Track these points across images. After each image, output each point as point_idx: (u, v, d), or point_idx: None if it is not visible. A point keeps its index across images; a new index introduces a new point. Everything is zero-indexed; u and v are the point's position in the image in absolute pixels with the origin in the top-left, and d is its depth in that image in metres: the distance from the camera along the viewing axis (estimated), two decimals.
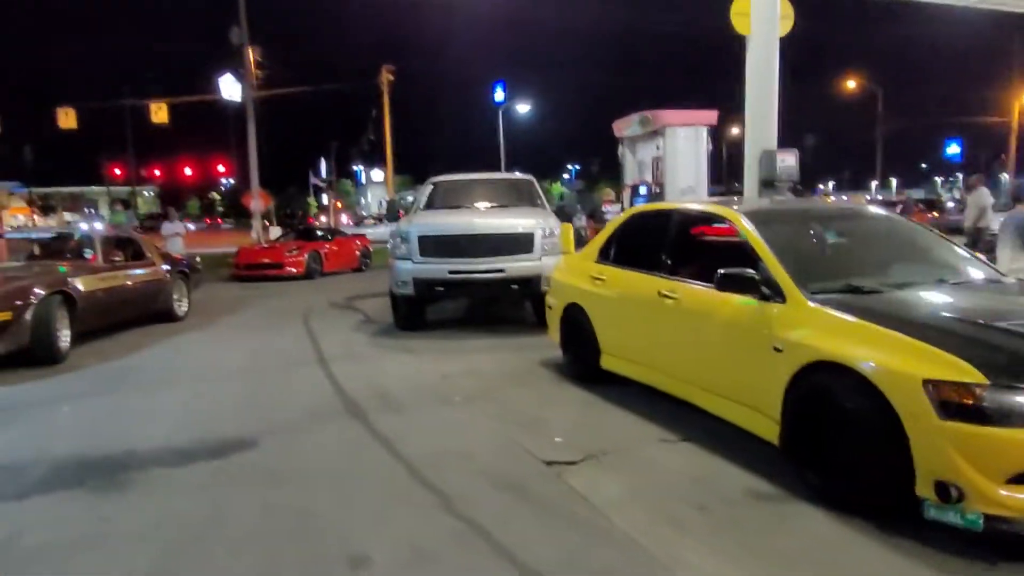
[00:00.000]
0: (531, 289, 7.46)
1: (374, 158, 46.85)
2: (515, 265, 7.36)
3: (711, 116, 10.32)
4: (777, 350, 3.40)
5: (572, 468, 3.72)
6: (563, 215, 8.19)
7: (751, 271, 3.68)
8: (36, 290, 6.50)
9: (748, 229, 3.94)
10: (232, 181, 53.85)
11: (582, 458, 3.84)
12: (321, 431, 4.47)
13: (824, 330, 3.24)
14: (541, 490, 3.44)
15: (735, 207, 4.36)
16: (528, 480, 3.58)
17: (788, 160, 7.68)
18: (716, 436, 4.00)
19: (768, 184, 7.68)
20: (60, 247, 8.66)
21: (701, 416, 4.14)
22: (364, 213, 50.97)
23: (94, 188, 51.64)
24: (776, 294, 3.55)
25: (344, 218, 38.51)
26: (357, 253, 17.22)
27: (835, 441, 3.05)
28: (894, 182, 56.99)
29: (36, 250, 9.02)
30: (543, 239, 7.47)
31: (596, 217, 11.23)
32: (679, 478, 3.52)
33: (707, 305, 4.01)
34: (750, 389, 3.66)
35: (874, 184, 48.73)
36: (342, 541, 2.94)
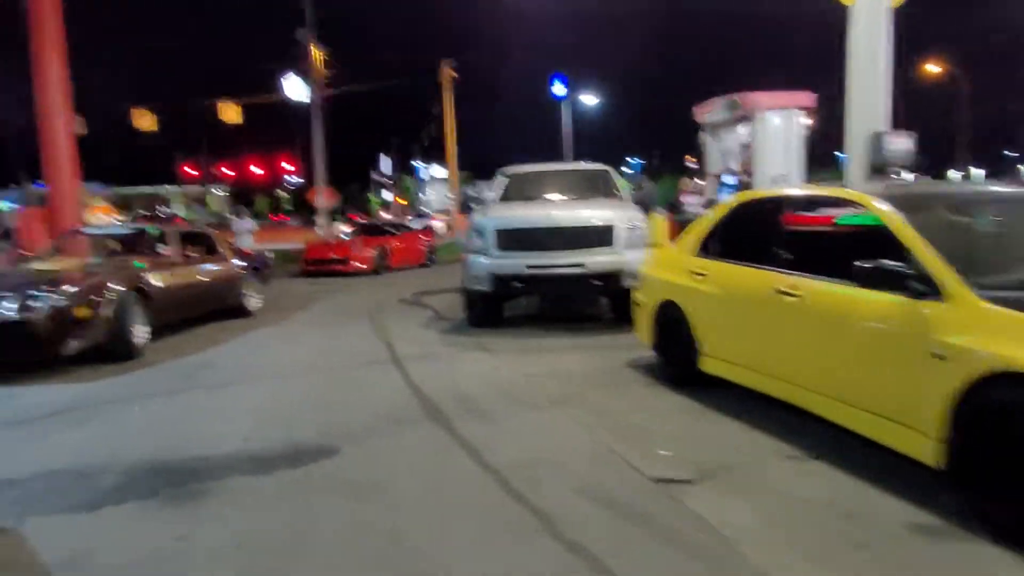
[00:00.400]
0: (612, 285, 7.02)
1: (434, 154, 47.02)
2: (595, 259, 6.93)
3: (807, 98, 9.56)
4: (938, 357, 2.88)
5: (686, 488, 3.29)
6: (642, 207, 7.70)
7: (899, 264, 3.16)
8: (113, 286, 6.44)
9: (892, 215, 3.40)
10: (297, 179, 54.99)
11: (697, 476, 3.40)
12: (403, 437, 4.16)
13: (1005, 335, 2.70)
14: (654, 512, 3.01)
15: (871, 191, 3.82)
16: (637, 499, 3.17)
17: (901, 143, 6.98)
18: (849, 453, 3.49)
19: (878, 170, 6.99)
20: (137, 243, 8.69)
21: (825, 428, 3.64)
22: (425, 210, 51.20)
23: (169, 187, 53.48)
24: (933, 291, 3.02)
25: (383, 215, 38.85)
26: (423, 249, 17.08)
27: None
28: (975, 171, 53.67)
29: (114, 246, 9.10)
30: (625, 231, 7.02)
31: (675, 209, 10.67)
32: (821, 505, 3.04)
33: (840, 304, 3.50)
34: (899, 401, 3.14)
35: (953, 172, 45.96)
36: (440, 571, 2.60)
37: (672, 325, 5.06)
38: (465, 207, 9.05)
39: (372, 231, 17.11)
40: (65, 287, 6.04)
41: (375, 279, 14.31)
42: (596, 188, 8.31)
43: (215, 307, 8.66)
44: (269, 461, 3.79)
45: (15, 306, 5.74)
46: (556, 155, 35.69)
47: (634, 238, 7.03)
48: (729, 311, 4.50)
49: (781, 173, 8.93)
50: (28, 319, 5.69)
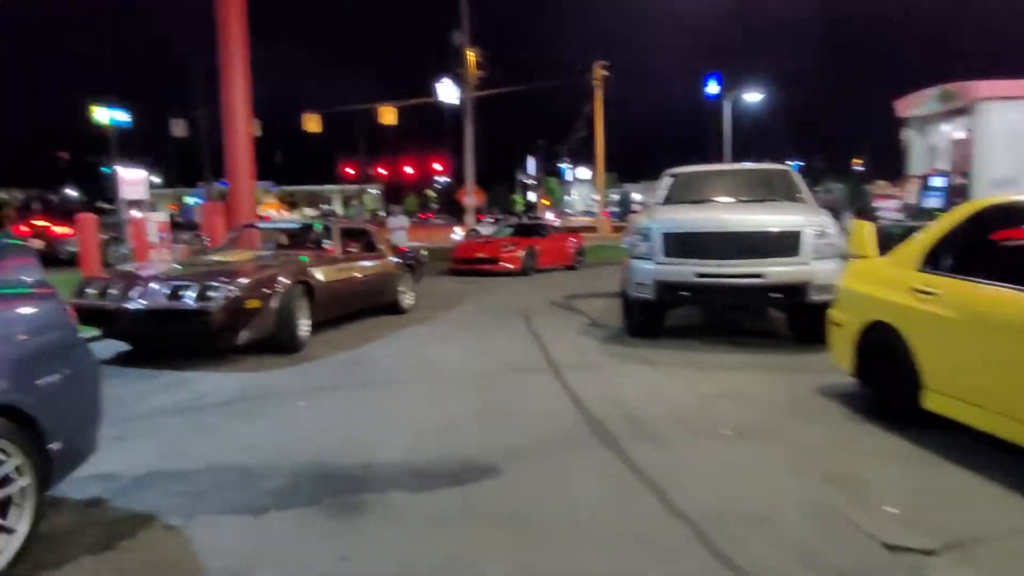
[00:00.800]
0: (797, 298, 6.24)
1: (581, 155, 46.69)
2: (778, 270, 6.18)
3: None
4: None
5: (929, 561, 2.62)
6: (831, 212, 6.84)
7: None
8: (282, 279, 6.59)
9: None
10: (446, 178, 56.84)
11: (940, 546, 2.72)
12: (571, 461, 3.75)
13: None
14: None
15: None
16: (871, 573, 2.55)
17: None
18: None
19: None
20: (302, 238, 8.98)
21: None
22: (569, 211, 51.09)
23: (329, 186, 57.20)
24: None
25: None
26: (571, 250, 16.72)
27: None
28: None
29: (281, 240, 9.49)
30: (813, 239, 6.21)
31: (866, 214, 9.53)
32: None
33: None
34: None
35: None
36: None
37: (883, 350, 4.30)
38: (624, 210, 8.52)
39: (521, 231, 16.99)
40: (239, 279, 6.23)
41: (524, 280, 14.13)
42: (775, 190, 7.51)
43: (372, 303, 8.76)
44: (430, 477, 3.52)
45: (194, 296, 5.97)
46: (707, 157, 34.15)
47: (823, 246, 6.21)
48: (970, 339, 3.69)
49: (1007, 176, 7.59)
50: (205, 308, 5.89)
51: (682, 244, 6.47)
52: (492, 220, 30.38)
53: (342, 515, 3.09)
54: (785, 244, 6.22)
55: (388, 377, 5.80)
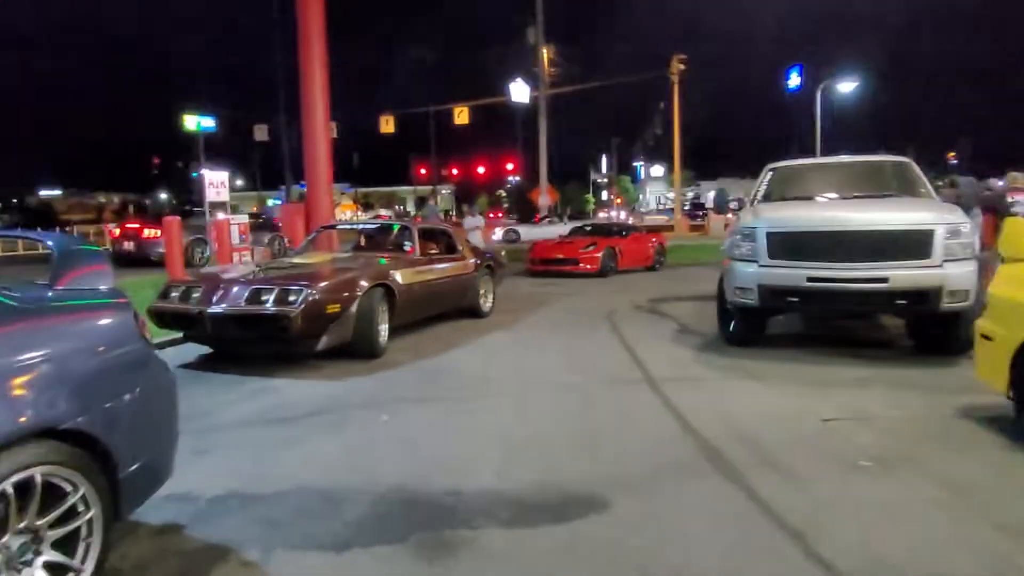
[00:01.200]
0: (926, 306, 5.53)
1: (656, 153, 45.57)
2: (905, 273, 5.50)
3: None
4: None
5: None
6: (961, 208, 6.07)
7: None
8: (361, 282, 6.36)
9: None
10: (518, 177, 56.67)
11: None
12: (689, 495, 3.29)
13: None
14: None
15: None
16: None
17: None
18: None
19: None
20: (381, 239, 8.80)
21: None
22: (642, 210, 49.91)
23: (403, 188, 57.97)
24: None
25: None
26: (652, 251, 16.07)
27: None
28: None
29: (360, 241, 9.34)
30: (947, 239, 5.50)
31: (999, 210, 8.59)
32: None
33: None
34: None
35: None
36: None
37: None
38: (720, 207, 7.94)
39: (601, 231, 16.46)
40: (318, 283, 6.03)
41: (603, 281, 13.61)
42: (893, 184, 6.78)
43: (452, 306, 8.49)
44: (528, 509, 3.13)
45: (273, 300, 5.80)
46: (790, 153, 32.57)
47: (957, 247, 5.49)
48: None
49: None
50: (284, 313, 5.71)
51: (791, 245, 5.87)
52: (549, 220, 29.76)
53: (431, 555, 2.74)
54: (914, 245, 5.53)
55: (472, 388, 5.46)
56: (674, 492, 3.32)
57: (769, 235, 5.97)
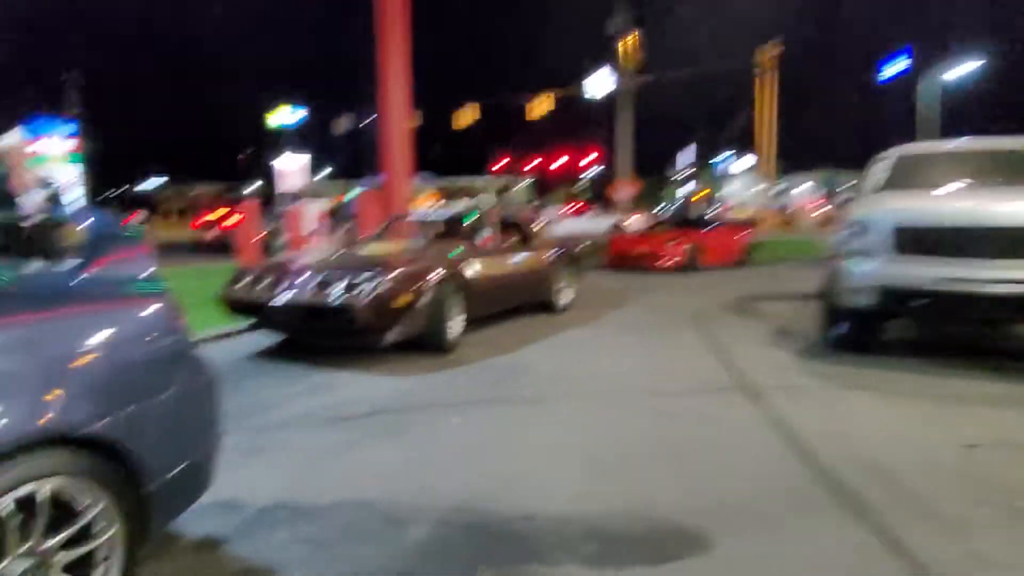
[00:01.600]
0: None
1: (744, 144, 43.73)
2: None
3: None
4: None
5: None
6: None
7: None
8: (433, 274, 6.01)
9: None
10: (597, 169, 55.72)
11: None
12: (805, 535, 2.72)
13: None
14: None
15: None
16: None
17: None
18: None
19: None
20: (455, 229, 8.45)
21: None
22: (728, 203, 47.91)
23: (481, 178, 57.97)
24: None
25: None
26: (739, 246, 15.17)
27: None
28: None
29: (433, 231, 9.04)
30: None
31: None
32: None
33: None
34: None
35: None
36: None
37: None
38: (829, 199, 7.10)
39: (685, 224, 15.66)
40: (388, 273, 5.72)
41: (687, 278, 12.87)
42: None
43: (527, 300, 8.06)
44: (614, 544, 2.65)
45: (340, 291, 5.53)
46: (890, 143, 30.41)
47: None
48: None
49: None
50: (352, 304, 5.42)
51: (919, 241, 5.11)
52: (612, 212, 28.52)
53: None
54: None
55: (548, 391, 5.01)
56: (790, 532, 2.77)
57: (896, 229, 5.22)
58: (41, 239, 4.29)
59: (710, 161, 49.45)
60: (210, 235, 17.79)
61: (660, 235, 14.47)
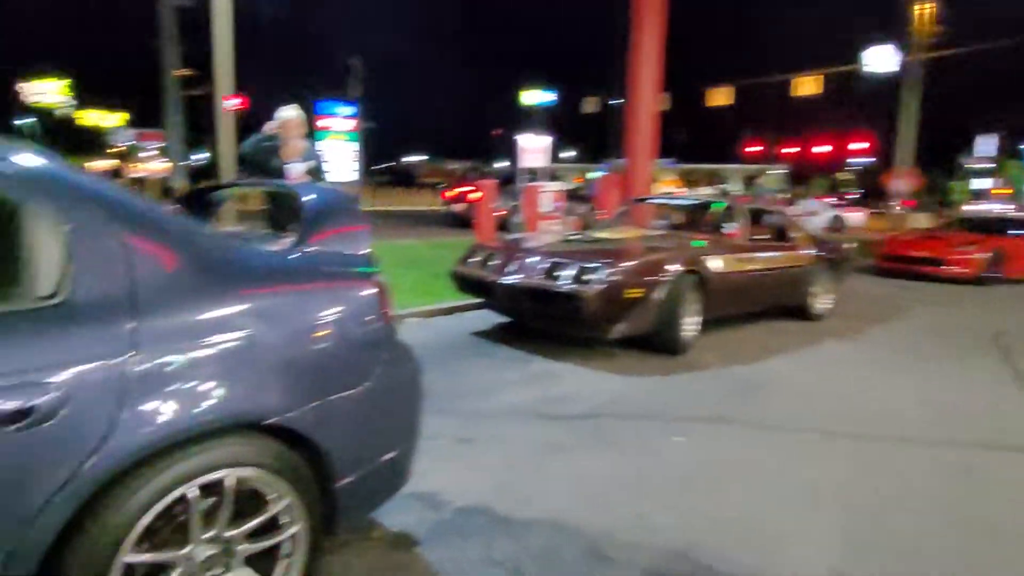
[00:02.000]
0: None
1: None
2: None
3: None
4: None
5: None
6: None
7: None
8: (670, 266, 5.46)
9: None
10: (867, 159, 49.65)
11: None
12: None
13: None
14: None
15: None
16: None
17: None
18: None
19: None
20: (699, 217, 7.74)
21: None
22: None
23: (729, 165, 54.77)
24: None
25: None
26: None
27: None
28: None
29: (676, 218, 8.41)
30: None
31: None
32: None
33: None
34: None
35: None
36: None
37: None
38: None
39: (982, 226, 13.02)
40: (622, 263, 5.29)
41: (981, 291, 10.64)
42: None
43: (777, 303, 7.13)
44: None
45: (570, 277, 5.22)
46: None
47: None
48: None
49: None
50: (580, 292, 5.09)
51: None
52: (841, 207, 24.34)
53: None
54: None
55: (795, 417, 4.24)
56: None
57: None
58: (282, 211, 4.53)
59: (1014, 153, 41.34)
60: (458, 208, 18.85)
61: (952, 237, 12.17)
